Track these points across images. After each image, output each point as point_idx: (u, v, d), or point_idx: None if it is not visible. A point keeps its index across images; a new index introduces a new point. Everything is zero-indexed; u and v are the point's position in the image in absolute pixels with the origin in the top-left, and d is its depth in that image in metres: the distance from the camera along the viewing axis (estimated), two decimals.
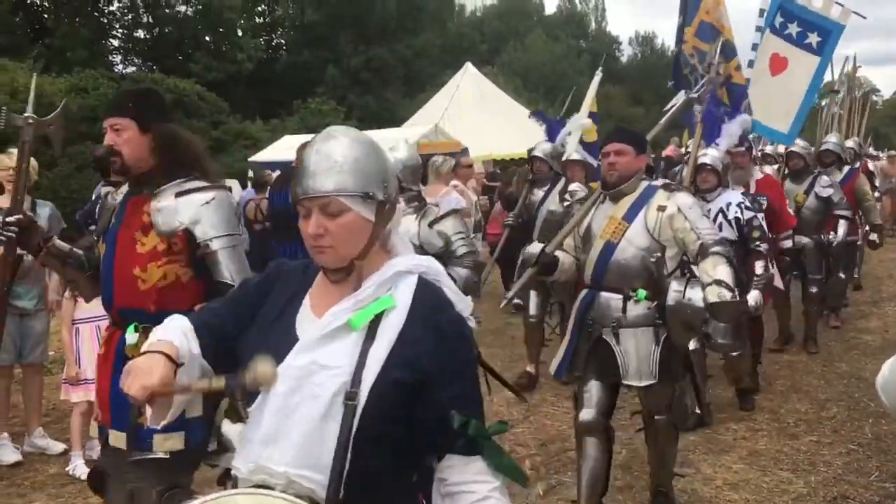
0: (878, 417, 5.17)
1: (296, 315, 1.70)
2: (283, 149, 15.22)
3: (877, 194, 9.58)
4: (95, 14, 32.46)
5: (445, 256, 4.02)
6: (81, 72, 25.14)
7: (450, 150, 12.64)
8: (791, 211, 6.38)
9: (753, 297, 4.96)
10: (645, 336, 3.54)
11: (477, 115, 17.59)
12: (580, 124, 6.67)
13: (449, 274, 3.76)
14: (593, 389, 3.67)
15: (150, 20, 34.28)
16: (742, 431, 5.03)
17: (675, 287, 3.39)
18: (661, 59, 48.97)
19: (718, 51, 5.40)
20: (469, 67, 20.43)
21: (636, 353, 3.55)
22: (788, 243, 6.14)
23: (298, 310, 1.71)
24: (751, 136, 6.05)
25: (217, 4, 31.63)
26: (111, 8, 33.63)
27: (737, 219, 4.99)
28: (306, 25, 37.31)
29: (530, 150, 6.52)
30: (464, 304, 1.71)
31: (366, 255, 1.64)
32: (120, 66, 33.33)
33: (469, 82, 19.38)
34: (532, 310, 6.21)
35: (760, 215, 5.15)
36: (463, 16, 50.85)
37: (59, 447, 4.89)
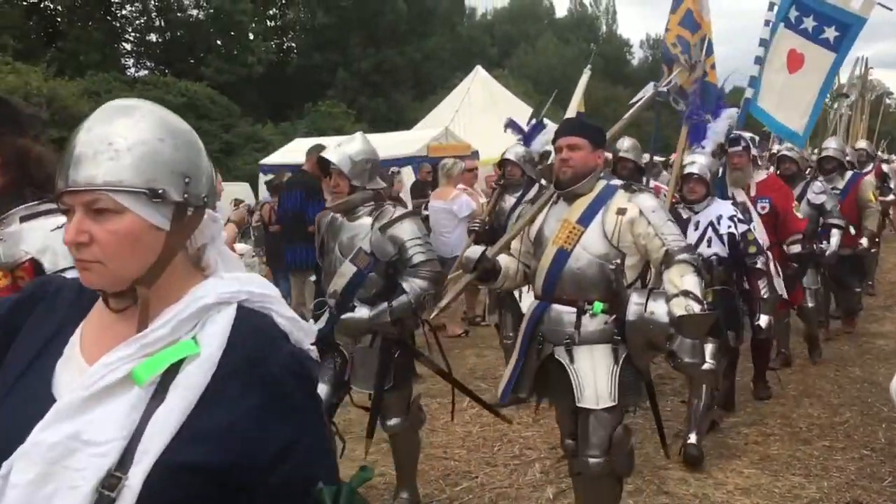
0: (891, 422, 5.12)
1: (56, 361, 1.20)
2: (293, 152, 15.25)
3: (892, 197, 9.45)
4: (108, 18, 32.75)
5: (399, 265, 3.69)
6: (94, 75, 25.37)
7: (460, 153, 12.64)
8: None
9: (764, 321, 4.67)
10: (602, 353, 3.18)
11: (487, 118, 17.56)
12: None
13: (402, 286, 3.63)
14: (561, 416, 3.47)
15: (163, 24, 34.54)
16: (754, 436, 5.00)
17: (635, 299, 3.03)
18: None
19: (704, 46, 5.06)
20: (479, 70, 20.41)
21: (593, 372, 3.18)
22: (796, 248, 5.62)
23: (62, 352, 1.21)
24: (748, 136, 5.62)
25: (229, 8, 31.83)
26: (123, 12, 33.94)
27: (730, 234, 4.55)
28: (317, 29, 37.46)
29: (502, 154, 6.18)
30: (303, 333, 1.28)
31: (155, 279, 1.19)
32: (132, 70, 33.63)
33: (479, 85, 19.35)
34: (508, 330, 5.76)
35: (754, 224, 4.77)
36: (473, 19, 50.97)
37: None
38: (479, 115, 17.86)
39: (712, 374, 4.58)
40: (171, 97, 24.99)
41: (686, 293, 2.96)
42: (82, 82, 23.79)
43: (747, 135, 5.49)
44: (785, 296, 5.46)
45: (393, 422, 3.90)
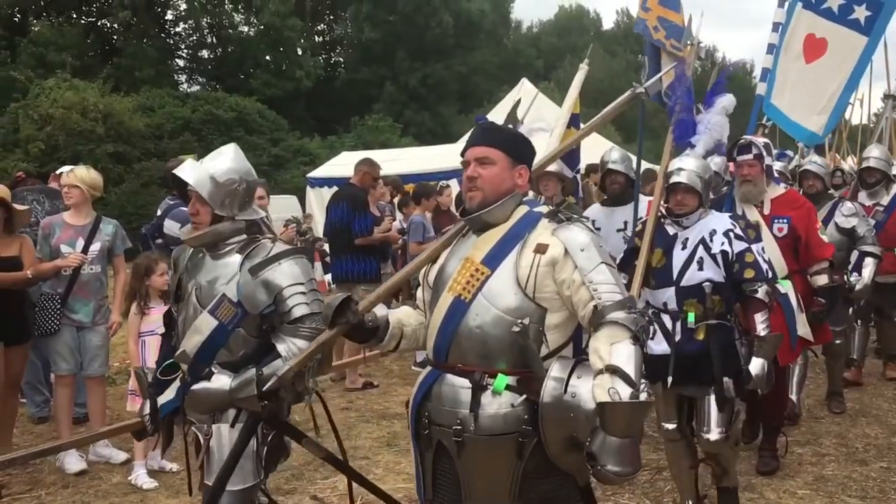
0: None
1: None
2: (340, 165, 15.43)
3: None
4: (162, 35, 33.69)
5: (276, 321, 2.84)
6: (149, 91, 26.07)
7: None
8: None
9: (756, 367, 3.64)
10: (504, 448, 2.32)
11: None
12: (557, 127, 5.30)
13: (277, 348, 2.74)
14: None
15: (214, 40, 35.38)
16: (808, 456, 4.86)
17: (555, 373, 2.25)
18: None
19: (685, 33, 4.29)
20: (525, 83, 20.41)
21: (487, 474, 2.36)
22: (823, 279, 4.55)
23: None
24: (762, 142, 4.56)
25: (278, 24, 32.48)
26: (177, 29, 34.92)
27: (723, 252, 3.69)
28: (364, 44, 37.95)
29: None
30: None
31: None
32: (185, 85, 34.48)
33: (525, 98, 19.37)
34: None
35: (757, 247, 3.78)
36: (519, 32, 51.04)
37: (121, 456, 5.01)
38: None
39: (724, 443, 3.73)
40: (221, 112, 25.58)
41: (614, 371, 2.16)
42: (137, 98, 24.47)
43: (760, 140, 4.53)
44: (809, 336, 4.57)
45: None
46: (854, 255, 5.61)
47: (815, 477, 4.55)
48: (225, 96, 27.07)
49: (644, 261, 3.80)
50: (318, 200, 15.17)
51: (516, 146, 2.53)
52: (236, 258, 2.88)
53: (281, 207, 13.99)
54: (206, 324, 2.82)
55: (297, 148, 27.38)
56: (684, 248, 3.76)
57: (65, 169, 6.08)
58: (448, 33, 37.37)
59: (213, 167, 2.89)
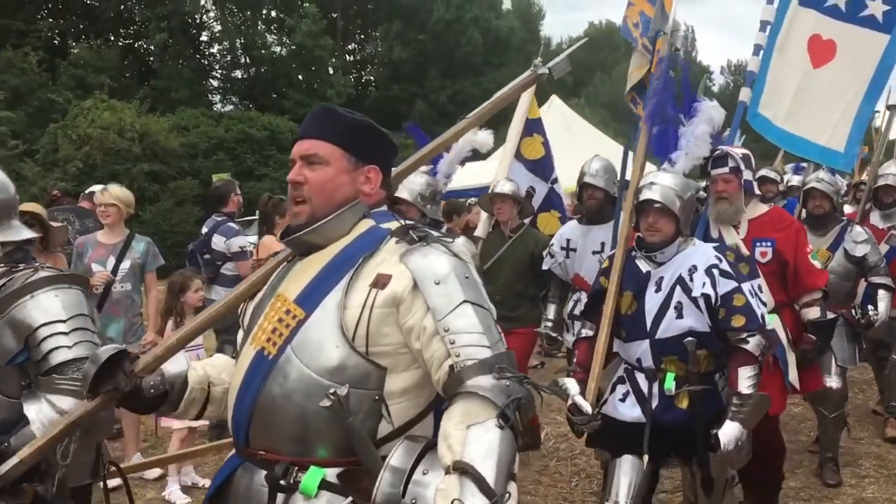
0: None
1: None
2: None
3: None
4: (197, 56, 34.33)
5: (32, 371, 2.23)
6: (183, 111, 26.55)
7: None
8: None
9: (728, 434, 2.92)
10: None
11: (562, 148, 17.52)
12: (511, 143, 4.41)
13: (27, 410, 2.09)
14: None
15: (247, 60, 35.95)
16: (848, 478, 4.75)
17: (395, 462, 1.60)
18: None
19: (664, 21, 3.87)
20: (555, 99, 20.39)
21: None
22: (814, 312, 3.86)
23: None
24: (739, 153, 3.89)
25: (310, 44, 32.92)
26: (211, 50, 35.59)
27: (706, 296, 2.99)
28: (394, 62, 38.31)
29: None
30: None
31: None
32: (219, 105, 35.06)
33: (555, 114, 19.35)
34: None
35: (750, 285, 3.07)
36: (549, 48, 51.13)
37: (155, 472, 5.04)
38: (555, 144, 17.80)
39: None
40: (254, 131, 25.92)
41: (463, 470, 1.49)
42: (172, 118, 24.91)
43: (738, 152, 3.90)
44: (795, 382, 3.80)
45: None
46: (862, 286, 5.01)
47: (855, 500, 4.46)
48: (258, 115, 27.45)
49: (612, 306, 3.18)
50: None
51: (360, 139, 1.84)
52: None
53: None
54: None
55: None
56: (658, 289, 3.07)
57: (96, 188, 6.19)
58: (478, 51, 37.60)
59: None
